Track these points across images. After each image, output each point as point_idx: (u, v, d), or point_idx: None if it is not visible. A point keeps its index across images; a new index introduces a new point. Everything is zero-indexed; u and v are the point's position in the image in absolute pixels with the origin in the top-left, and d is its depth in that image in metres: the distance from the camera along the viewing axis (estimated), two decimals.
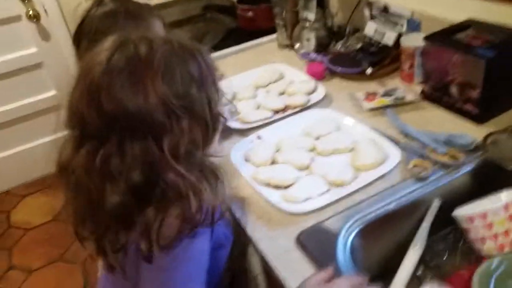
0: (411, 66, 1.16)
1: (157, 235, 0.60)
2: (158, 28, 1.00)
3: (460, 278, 0.77)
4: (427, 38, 1.05)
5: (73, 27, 2.41)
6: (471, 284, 0.71)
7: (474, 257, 0.80)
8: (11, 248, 2.06)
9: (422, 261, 0.84)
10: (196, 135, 0.64)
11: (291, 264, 0.75)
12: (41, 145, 2.40)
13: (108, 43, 0.64)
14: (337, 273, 0.70)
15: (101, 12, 0.97)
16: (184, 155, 0.62)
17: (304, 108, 1.12)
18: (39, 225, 2.15)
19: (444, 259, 0.85)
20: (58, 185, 0.65)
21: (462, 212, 0.81)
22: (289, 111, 1.13)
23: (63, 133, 0.65)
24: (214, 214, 0.65)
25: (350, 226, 0.79)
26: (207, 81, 0.67)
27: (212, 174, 0.67)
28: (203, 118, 0.66)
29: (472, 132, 0.96)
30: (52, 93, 2.37)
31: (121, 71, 0.60)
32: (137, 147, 0.60)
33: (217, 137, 0.72)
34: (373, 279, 0.70)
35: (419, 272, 0.83)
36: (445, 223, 0.88)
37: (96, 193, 0.61)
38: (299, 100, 1.15)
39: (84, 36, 0.97)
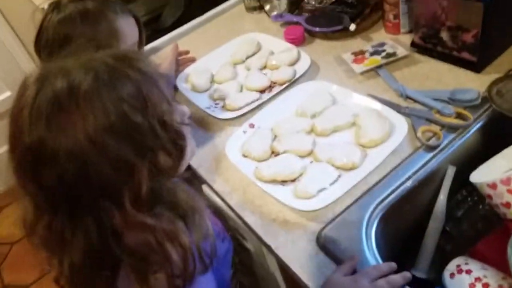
0: (396, 15, 1.07)
1: None
2: (126, 27, 0.90)
3: (489, 246, 0.75)
4: None
5: (16, 24, 2.20)
6: (502, 252, 0.69)
7: (497, 221, 0.78)
8: None
9: (443, 232, 0.81)
10: (159, 169, 0.53)
11: (314, 270, 0.70)
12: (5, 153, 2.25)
13: (29, 91, 0.51)
14: (363, 265, 0.67)
15: (57, 19, 0.86)
16: (148, 200, 0.52)
17: (292, 82, 1.04)
18: (25, 236, 2.06)
19: (465, 226, 0.83)
20: None
21: (480, 177, 0.78)
22: (277, 89, 1.04)
23: None
24: (205, 255, 0.56)
25: (370, 216, 0.75)
26: (151, 97, 0.53)
27: (186, 206, 0.56)
28: (161, 145, 0.54)
29: (473, 82, 0.91)
30: (7, 94, 2.19)
31: (47, 127, 0.49)
32: (89, 218, 0.51)
33: (186, 155, 0.60)
34: (397, 261, 0.68)
35: (443, 244, 0.81)
36: (460, 186, 0.86)
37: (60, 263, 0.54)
38: (285, 74, 1.06)
39: (43, 47, 0.87)
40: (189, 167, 0.93)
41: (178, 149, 0.57)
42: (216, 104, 1.07)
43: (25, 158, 0.51)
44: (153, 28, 1.44)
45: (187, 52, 1.25)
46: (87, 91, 0.50)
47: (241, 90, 1.09)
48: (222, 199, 0.87)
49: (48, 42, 0.87)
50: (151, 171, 0.52)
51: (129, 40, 0.91)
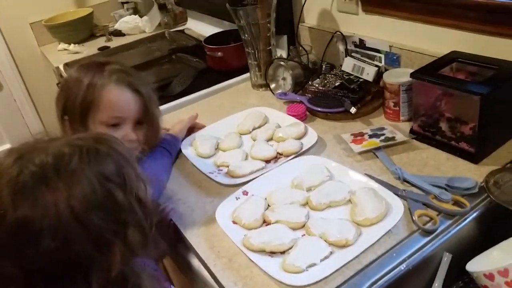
0: (397, 103, 1.11)
1: None
2: (113, 94, 0.91)
3: None
4: (414, 74, 1.00)
5: (26, 77, 2.29)
6: None
7: None
8: None
9: None
10: (131, 246, 0.55)
11: None
12: None
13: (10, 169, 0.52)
14: None
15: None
16: (115, 282, 0.54)
17: (299, 154, 1.04)
18: None
19: None
20: None
21: (477, 266, 0.75)
22: (282, 160, 1.04)
23: None
24: None
25: None
26: (129, 175, 0.57)
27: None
28: (136, 222, 0.56)
29: (471, 172, 0.91)
30: (6, 146, 2.21)
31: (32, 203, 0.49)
32: None
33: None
34: None
35: None
36: (457, 276, 0.82)
37: None
38: (292, 146, 1.06)
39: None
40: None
41: (150, 224, 0.59)
42: (219, 170, 1.06)
43: (7, 237, 0.50)
44: (162, 94, 1.49)
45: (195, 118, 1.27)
46: (73, 168, 0.52)
47: (246, 158, 1.09)
48: (206, 266, 0.83)
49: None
50: (124, 249, 0.54)
51: (109, 111, 0.93)
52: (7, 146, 2.20)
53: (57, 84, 1.88)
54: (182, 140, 1.18)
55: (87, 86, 0.90)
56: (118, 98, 0.92)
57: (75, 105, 0.90)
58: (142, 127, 0.99)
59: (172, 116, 1.36)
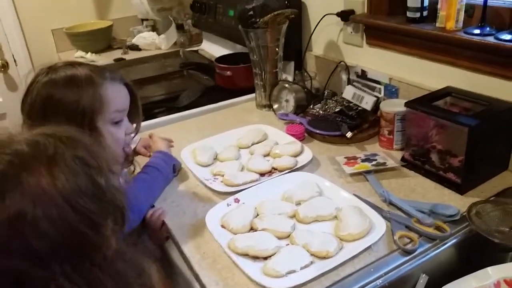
0: (391, 131, 1.15)
1: None
2: (112, 93, 0.88)
3: None
4: (408, 104, 1.05)
5: None
6: None
7: None
8: None
9: None
10: (119, 227, 0.57)
11: None
12: None
13: None
14: None
15: (43, 81, 0.85)
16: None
17: (292, 171, 1.08)
18: None
19: None
20: None
21: None
22: (276, 174, 1.08)
23: None
24: None
25: None
26: (104, 161, 0.58)
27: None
28: (117, 205, 0.57)
29: (455, 201, 0.94)
30: None
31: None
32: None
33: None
34: None
35: None
36: None
37: None
38: (286, 162, 1.10)
39: (27, 108, 0.85)
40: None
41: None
42: (215, 178, 1.10)
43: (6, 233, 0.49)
44: (169, 106, 1.55)
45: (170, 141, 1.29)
46: (51, 153, 0.52)
47: (242, 170, 1.13)
48: (189, 264, 0.85)
49: (31, 104, 0.84)
50: (113, 228, 0.55)
51: (114, 106, 0.89)
52: None
53: None
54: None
55: (86, 86, 0.85)
56: (119, 93, 0.91)
57: (78, 110, 0.83)
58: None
59: (178, 125, 1.43)
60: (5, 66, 2.28)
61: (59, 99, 0.83)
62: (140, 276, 0.58)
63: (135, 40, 2.44)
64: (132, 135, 0.98)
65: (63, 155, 0.52)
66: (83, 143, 0.57)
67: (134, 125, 0.98)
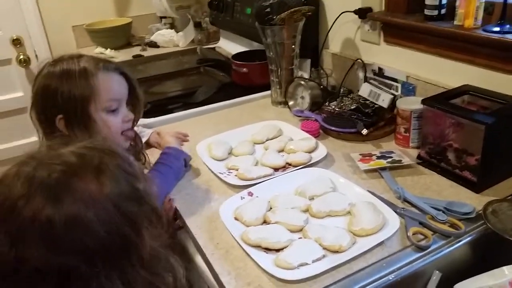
0: (407, 129, 1.14)
1: None
2: (105, 83, 0.91)
3: None
4: (424, 101, 1.04)
5: None
6: None
7: None
8: None
9: None
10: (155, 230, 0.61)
11: None
12: None
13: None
14: None
15: (44, 73, 0.92)
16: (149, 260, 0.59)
17: (306, 166, 1.09)
18: None
19: None
20: None
21: None
22: (290, 169, 1.09)
23: None
24: None
25: None
26: (138, 170, 0.63)
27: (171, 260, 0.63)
28: (155, 210, 0.62)
29: (471, 200, 0.93)
30: (33, 139, 2.31)
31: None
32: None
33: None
34: None
35: None
36: None
37: None
38: (301, 157, 1.11)
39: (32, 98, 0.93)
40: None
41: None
42: (229, 172, 1.11)
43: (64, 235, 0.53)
44: (186, 101, 1.56)
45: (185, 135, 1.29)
46: (96, 162, 0.57)
47: (256, 164, 1.13)
48: (203, 255, 0.86)
49: (34, 93, 0.92)
50: (149, 232, 0.59)
51: (107, 95, 0.92)
52: (34, 138, 2.31)
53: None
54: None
55: (79, 77, 0.89)
56: (113, 82, 0.94)
57: (71, 99, 0.88)
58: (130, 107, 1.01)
59: (194, 121, 1.45)
60: (27, 61, 2.34)
61: (54, 89, 0.89)
62: (169, 272, 0.62)
63: (153, 37, 2.47)
64: (130, 122, 0.99)
65: (107, 165, 0.58)
66: (120, 154, 0.62)
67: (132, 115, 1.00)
